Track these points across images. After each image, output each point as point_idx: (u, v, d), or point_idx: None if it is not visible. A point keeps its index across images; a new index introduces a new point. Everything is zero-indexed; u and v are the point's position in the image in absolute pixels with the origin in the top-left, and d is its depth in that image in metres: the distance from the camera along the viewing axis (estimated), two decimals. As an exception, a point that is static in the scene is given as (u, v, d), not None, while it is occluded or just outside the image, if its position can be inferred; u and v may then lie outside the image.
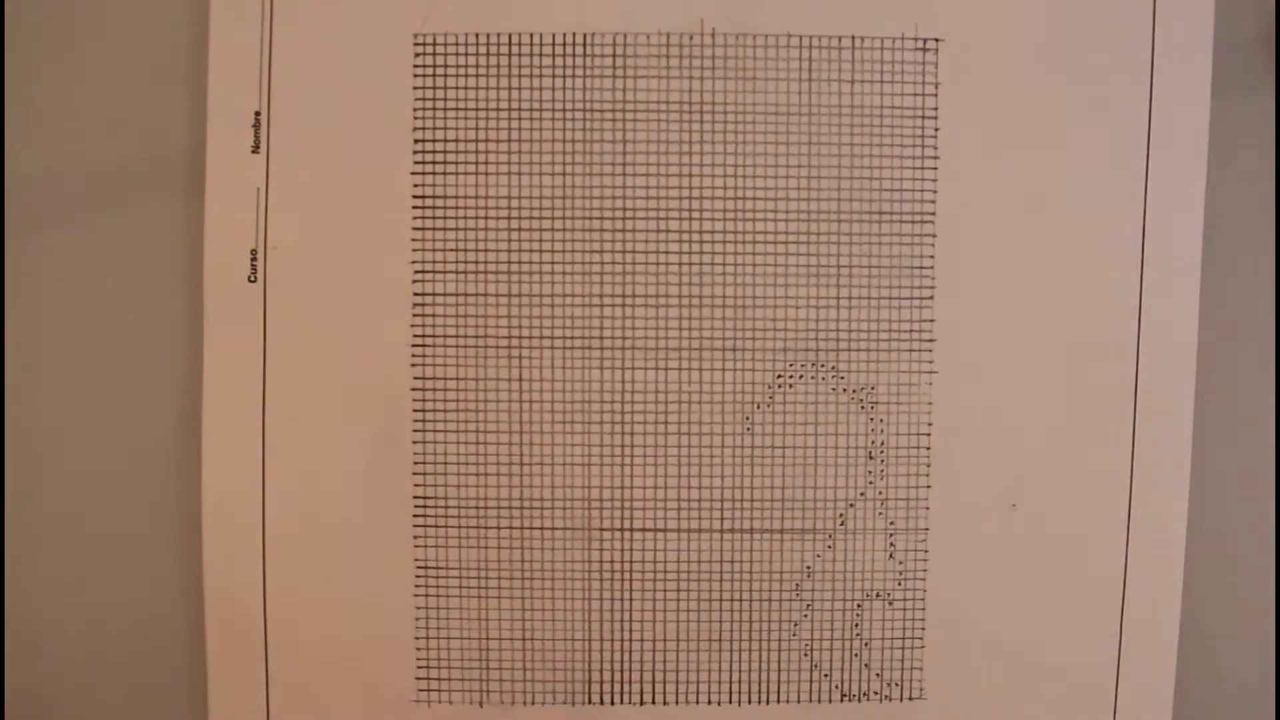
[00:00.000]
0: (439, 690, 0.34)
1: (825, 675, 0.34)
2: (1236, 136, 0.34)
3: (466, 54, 0.34)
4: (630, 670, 0.34)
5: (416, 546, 0.34)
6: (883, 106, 0.34)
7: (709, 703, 0.34)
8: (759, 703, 0.34)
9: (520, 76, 0.34)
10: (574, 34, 0.33)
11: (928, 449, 0.34)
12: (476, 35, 0.33)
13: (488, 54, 0.34)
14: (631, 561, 0.34)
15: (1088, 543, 0.34)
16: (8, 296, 0.35)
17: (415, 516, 0.34)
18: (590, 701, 0.34)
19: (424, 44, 0.34)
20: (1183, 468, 0.34)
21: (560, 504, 0.34)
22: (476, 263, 0.34)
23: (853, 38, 0.34)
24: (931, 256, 0.34)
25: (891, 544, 0.34)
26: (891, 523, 0.34)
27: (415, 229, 0.34)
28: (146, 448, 0.35)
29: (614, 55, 0.34)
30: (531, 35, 0.33)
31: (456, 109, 0.34)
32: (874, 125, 0.34)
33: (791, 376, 0.34)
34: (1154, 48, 0.34)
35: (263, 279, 0.34)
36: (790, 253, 0.34)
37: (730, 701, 0.34)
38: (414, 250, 0.34)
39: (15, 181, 0.35)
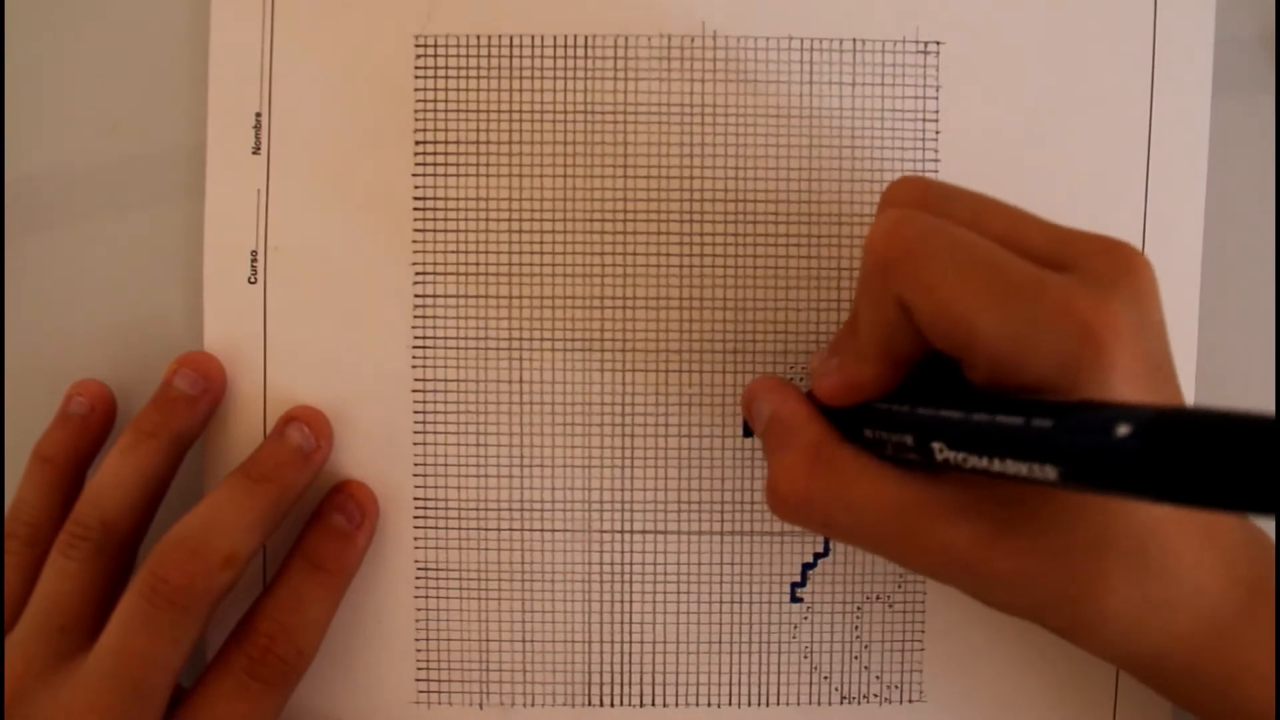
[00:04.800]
0: (439, 692, 0.34)
1: (825, 677, 0.34)
2: (1236, 136, 0.34)
3: (468, 55, 0.33)
4: (630, 672, 0.34)
5: (416, 548, 0.34)
6: (884, 109, 0.34)
7: (709, 705, 0.34)
8: (759, 705, 0.34)
9: (521, 78, 0.33)
10: (575, 36, 0.33)
11: (928, 451, 0.34)
12: (478, 37, 0.33)
13: (489, 56, 0.34)
14: (632, 564, 0.34)
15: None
16: (7, 297, 0.35)
17: (415, 518, 0.34)
18: (590, 704, 0.34)
19: (425, 45, 0.33)
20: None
21: (560, 506, 0.34)
22: (477, 264, 0.34)
23: (854, 40, 0.33)
24: (932, 259, 0.34)
25: (891, 546, 0.34)
26: (891, 525, 0.34)
27: (416, 230, 0.34)
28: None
29: (615, 57, 0.33)
30: (533, 37, 0.33)
31: (458, 110, 0.34)
32: (875, 128, 0.34)
33: (792, 379, 0.34)
34: (1154, 47, 0.34)
35: (263, 280, 0.34)
36: (791, 255, 0.34)
37: (730, 704, 0.34)
38: (415, 252, 0.34)
39: (15, 181, 0.35)
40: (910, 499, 0.26)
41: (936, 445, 0.24)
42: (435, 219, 0.34)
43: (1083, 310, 0.23)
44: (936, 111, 0.34)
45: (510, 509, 0.34)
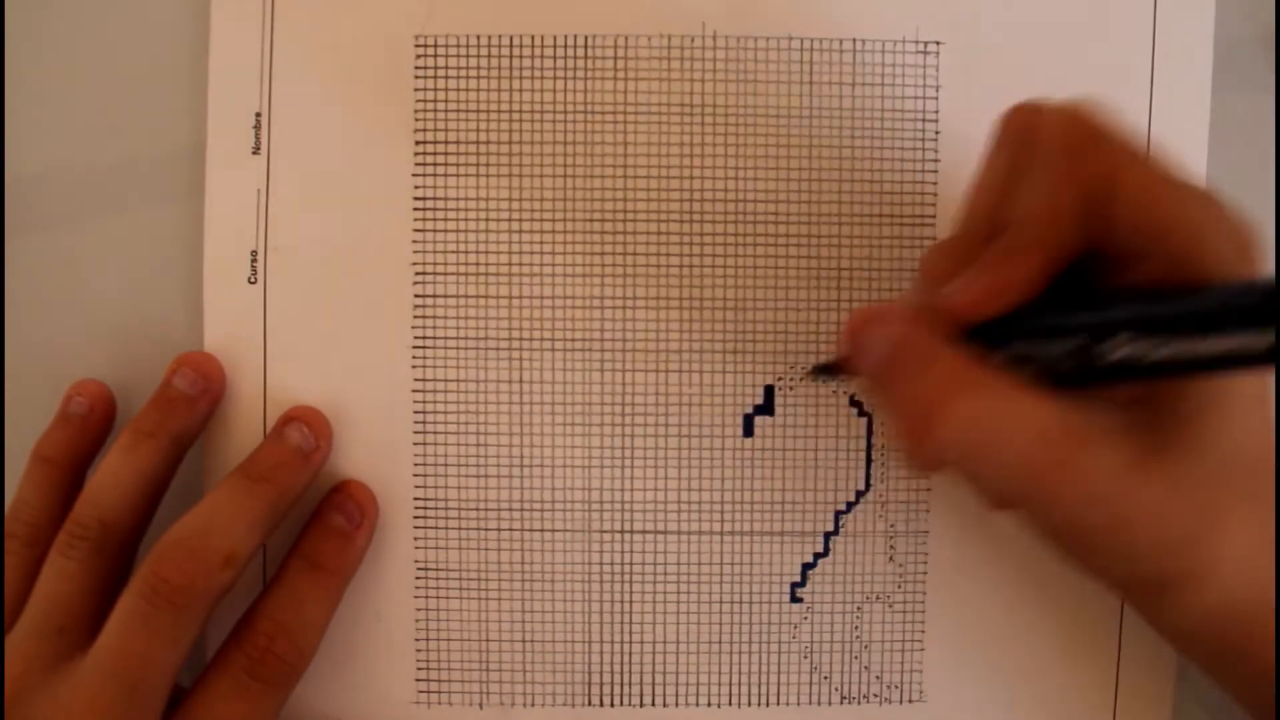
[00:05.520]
0: (439, 692, 0.34)
1: (825, 678, 0.34)
2: (1236, 136, 0.34)
3: (468, 55, 0.34)
4: (630, 672, 0.34)
5: (416, 548, 0.34)
6: (884, 109, 0.34)
7: (709, 705, 0.34)
8: (759, 705, 0.34)
9: (521, 78, 0.34)
10: (575, 36, 0.33)
11: (928, 451, 0.34)
12: (478, 37, 0.33)
13: (489, 55, 0.34)
14: (632, 564, 0.34)
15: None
16: (8, 297, 0.35)
17: (415, 518, 0.34)
18: (590, 704, 0.34)
19: (425, 45, 0.34)
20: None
21: (560, 506, 0.34)
22: (477, 265, 0.34)
23: (854, 40, 0.33)
24: (932, 259, 0.34)
25: (891, 546, 0.34)
26: (891, 525, 0.34)
27: (416, 230, 0.34)
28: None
29: (615, 57, 0.33)
30: (533, 37, 0.33)
31: (458, 110, 0.34)
32: (875, 128, 0.34)
33: (791, 379, 0.34)
34: (1154, 47, 0.34)
35: (263, 280, 0.34)
36: (791, 255, 0.34)
37: (730, 704, 0.34)
38: (415, 252, 0.34)
39: (15, 181, 0.35)
40: (1067, 422, 0.24)
41: (1118, 340, 0.23)
42: (435, 219, 0.34)
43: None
44: (936, 111, 0.34)
45: (510, 509, 0.34)
